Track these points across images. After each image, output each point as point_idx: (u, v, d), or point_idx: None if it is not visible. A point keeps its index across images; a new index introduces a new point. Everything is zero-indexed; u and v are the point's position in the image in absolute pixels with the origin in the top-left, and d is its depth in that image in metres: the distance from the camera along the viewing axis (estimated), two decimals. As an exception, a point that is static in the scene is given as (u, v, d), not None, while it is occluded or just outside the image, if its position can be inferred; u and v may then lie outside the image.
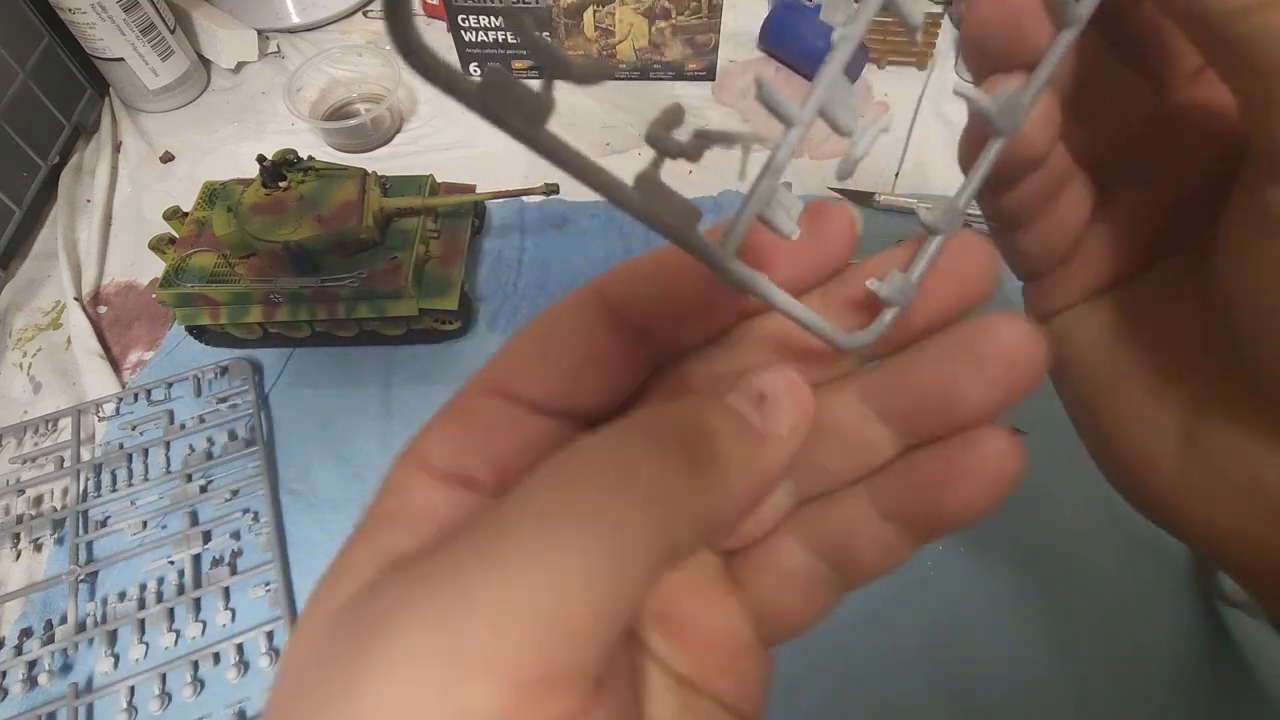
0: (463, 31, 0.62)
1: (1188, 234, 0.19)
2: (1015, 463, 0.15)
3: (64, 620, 0.40)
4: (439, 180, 0.52)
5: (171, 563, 0.42)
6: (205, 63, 0.67)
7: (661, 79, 0.66)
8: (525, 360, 0.16)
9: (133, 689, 0.38)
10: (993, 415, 0.15)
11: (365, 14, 0.72)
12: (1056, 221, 0.19)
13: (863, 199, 0.55)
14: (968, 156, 0.17)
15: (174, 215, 0.49)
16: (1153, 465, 0.19)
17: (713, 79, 0.66)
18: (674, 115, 0.11)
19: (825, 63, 0.12)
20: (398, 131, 0.63)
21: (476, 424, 0.15)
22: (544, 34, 0.10)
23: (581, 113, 0.64)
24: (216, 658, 0.39)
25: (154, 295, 0.48)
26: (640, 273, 0.16)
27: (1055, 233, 0.20)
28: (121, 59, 0.59)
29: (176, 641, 0.39)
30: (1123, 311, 0.20)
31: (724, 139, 0.12)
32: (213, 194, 0.49)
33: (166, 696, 0.38)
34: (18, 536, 0.43)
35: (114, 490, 0.44)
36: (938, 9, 0.70)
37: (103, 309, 0.53)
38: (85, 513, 0.44)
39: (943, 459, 0.15)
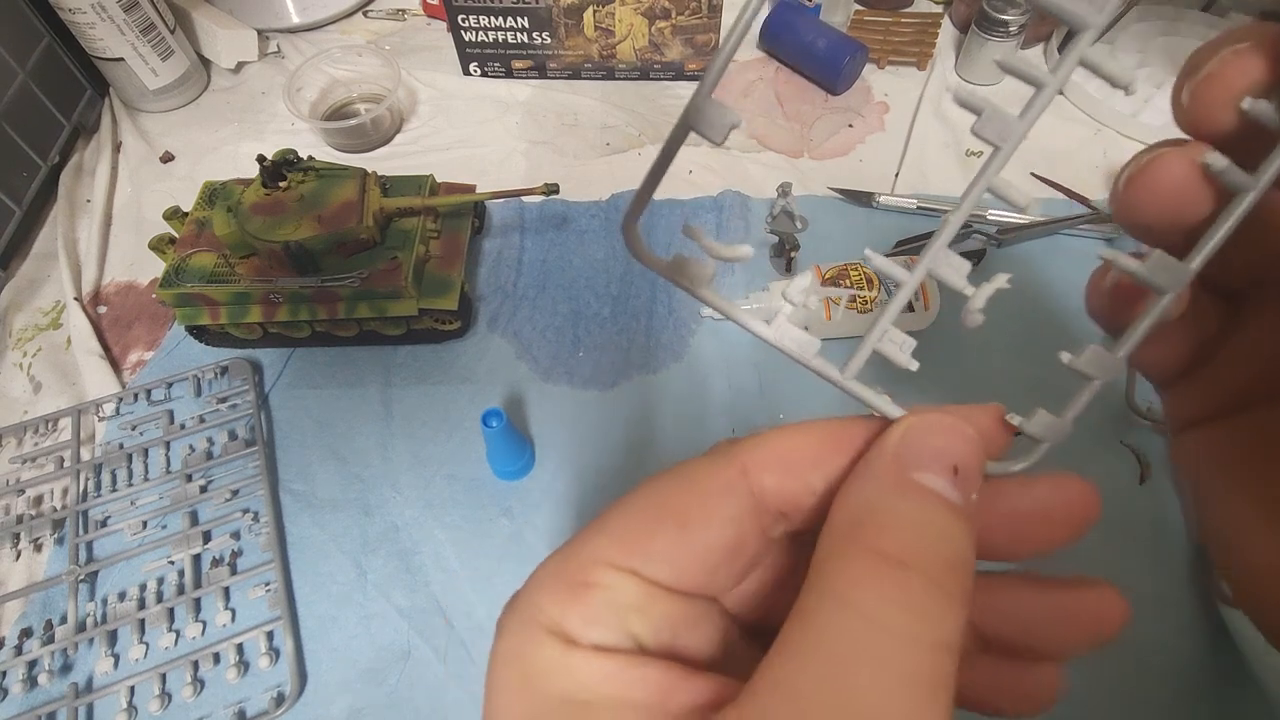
0: (463, 31, 0.62)
1: None
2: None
3: (64, 620, 0.40)
4: (439, 180, 0.52)
5: (171, 563, 0.42)
6: (205, 63, 0.67)
7: (661, 79, 0.66)
8: (659, 541, 0.15)
9: (133, 689, 0.38)
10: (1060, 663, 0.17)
11: (365, 14, 0.72)
12: (1180, 339, 0.20)
13: (863, 199, 0.55)
14: (1109, 311, 0.18)
15: (174, 215, 0.49)
16: (1263, 580, 0.19)
17: (713, 79, 0.66)
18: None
19: (933, 238, 0.15)
20: (398, 131, 0.63)
21: (607, 601, 0.14)
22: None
23: (582, 113, 0.64)
24: (216, 658, 0.39)
25: (154, 295, 0.48)
26: (796, 461, 0.15)
27: (1178, 349, 0.20)
28: (121, 59, 0.60)
29: (176, 641, 0.39)
30: (1252, 437, 0.20)
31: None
32: (213, 194, 0.49)
33: (166, 696, 0.38)
34: (18, 536, 0.43)
35: (114, 490, 0.44)
36: (938, 9, 0.70)
37: (103, 309, 0.53)
38: (85, 513, 0.44)
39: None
